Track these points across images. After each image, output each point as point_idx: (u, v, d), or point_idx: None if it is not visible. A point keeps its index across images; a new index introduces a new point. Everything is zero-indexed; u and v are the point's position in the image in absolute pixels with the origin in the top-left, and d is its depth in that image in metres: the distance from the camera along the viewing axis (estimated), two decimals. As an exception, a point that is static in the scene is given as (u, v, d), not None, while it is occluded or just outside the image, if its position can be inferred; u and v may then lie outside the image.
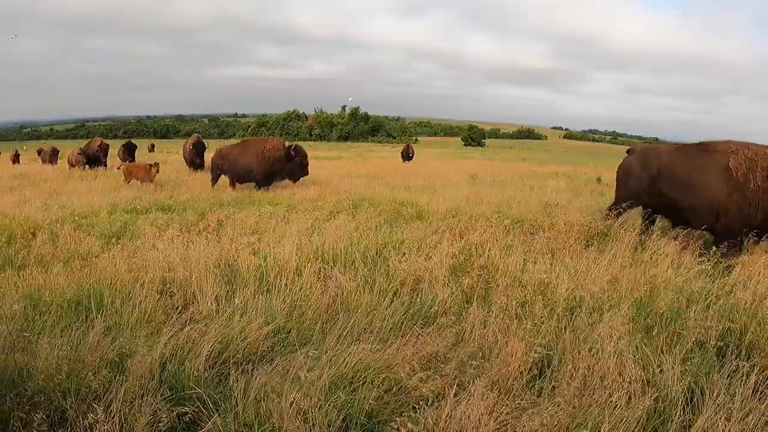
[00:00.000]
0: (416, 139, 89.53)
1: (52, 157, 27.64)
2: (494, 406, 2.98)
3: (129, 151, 25.04)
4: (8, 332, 3.64)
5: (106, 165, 21.92)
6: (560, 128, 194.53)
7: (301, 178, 14.85)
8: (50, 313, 4.20)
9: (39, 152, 39.81)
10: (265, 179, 14.45)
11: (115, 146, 25.25)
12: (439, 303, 4.65)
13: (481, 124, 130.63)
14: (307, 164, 14.88)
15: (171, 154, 33.96)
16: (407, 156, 30.85)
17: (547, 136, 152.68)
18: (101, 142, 22.80)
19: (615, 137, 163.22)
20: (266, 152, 14.46)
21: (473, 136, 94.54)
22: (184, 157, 21.56)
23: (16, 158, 35.00)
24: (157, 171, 16.07)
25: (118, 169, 16.91)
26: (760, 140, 7.08)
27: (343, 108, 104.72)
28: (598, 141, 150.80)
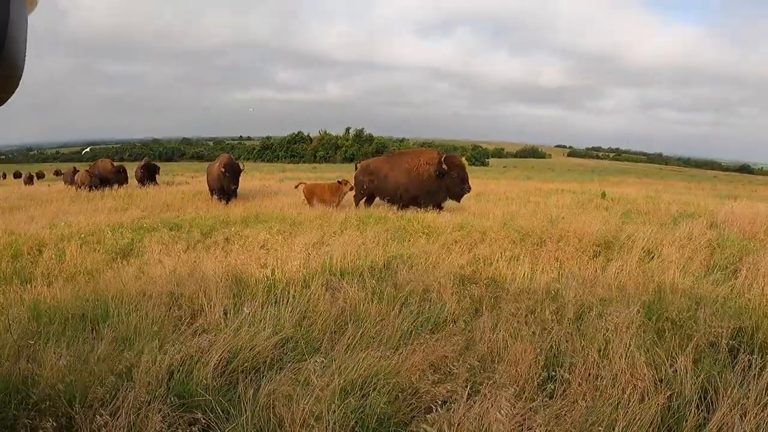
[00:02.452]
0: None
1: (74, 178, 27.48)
2: (507, 407, 2.95)
3: (149, 173, 23.39)
4: (13, 340, 3.64)
5: (127, 182, 21.76)
6: (564, 146, 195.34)
7: (462, 197, 12.31)
8: (55, 324, 4.20)
9: (39, 176, 39.72)
10: (416, 200, 12.08)
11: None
12: (447, 311, 4.64)
13: (484, 143, 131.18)
14: (466, 178, 12.16)
15: (177, 176, 34.16)
16: None
17: (551, 155, 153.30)
18: (112, 163, 22.49)
19: (618, 154, 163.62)
20: (421, 168, 12.13)
21: (477, 156, 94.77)
22: (210, 183, 17.74)
23: (29, 180, 35.04)
24: (351, 188, 13.52)
25: (296, 187, 14.69)
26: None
27: (347, 130, 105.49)
28: (601, 158, 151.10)
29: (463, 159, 12.68)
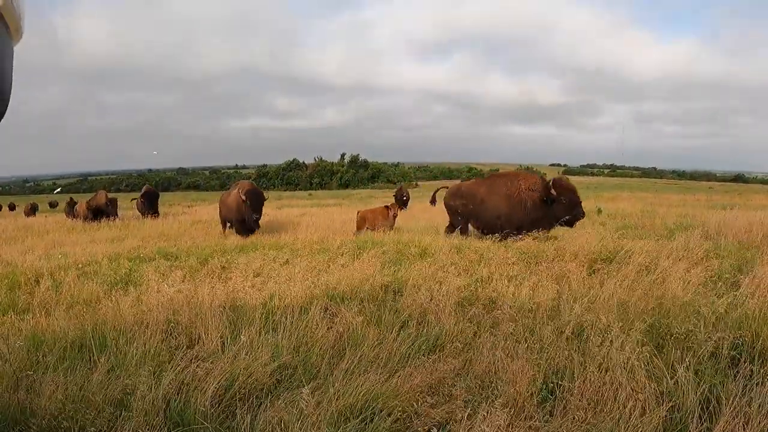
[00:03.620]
0: (416, 184, 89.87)
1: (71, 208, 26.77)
2: (507, 426, 2.93)
3: (150, 201, 22.02)
4: (12, 371, 3.62)
5: (116, 216, 20.99)
6: (559, 165, 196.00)
7: (575, 223, 10.69)
8: (53, 354, 4.19)
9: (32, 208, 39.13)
10: (520, 229, 10.54)
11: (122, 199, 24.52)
12: (445, 333, 4.62)
13: (480, 165, 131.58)
14: (579, 201, 10.67)
15: (174, 206, 34.21)
16: (401, 200, 25.39)
17: (546, 174, 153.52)
18: (106, 195, 21.91)
19: (613, 170, 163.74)
20: (523, 193, 10.79)
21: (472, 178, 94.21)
22: (225, 215, 15.82)
23: (31, 211, 34.64)
24: (395, 215, 13.41)
25: (358, 213, 14.17)
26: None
27: (342, 156, 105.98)
28: (596, 175, 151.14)
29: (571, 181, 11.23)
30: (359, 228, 13.13)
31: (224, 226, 16.03)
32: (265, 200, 14.92)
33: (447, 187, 12.60)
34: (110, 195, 22.73)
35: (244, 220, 14.37)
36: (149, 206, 21.89)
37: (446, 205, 12.27)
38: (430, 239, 10.28)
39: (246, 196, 14.07)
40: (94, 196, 22.43)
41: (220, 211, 16.48)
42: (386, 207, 13.52)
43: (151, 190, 22.97)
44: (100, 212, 21.06)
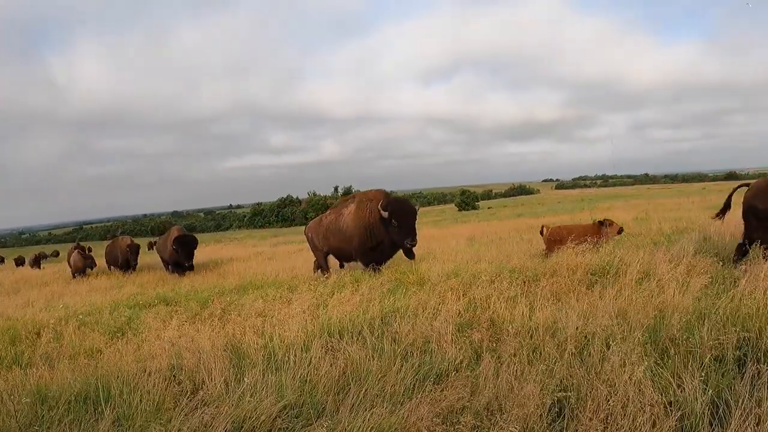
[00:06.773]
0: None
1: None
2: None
3: (185, 249, 16.04)
4: (18, 427, 3.60)
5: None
6: (551, 180, 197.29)
7: None
8: (58, 408, 4.14)
9: (18, 262, 38.52)
10: None
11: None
12: (449, 360, 4.60)
13: (473, 187, 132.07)
14: None
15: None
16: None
17: (539, 190, 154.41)
18: (131, 241, 19.04)
19: (606, 180, 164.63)
20: None
21: (466, 201, 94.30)
22: (334, 245, 11.15)
23: (35, 262, 34.01)
24: (620, 230, 10.13)
25: (541, 234, 11.15)
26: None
27: (336, 188, 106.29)
28: (589, 186, 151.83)
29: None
30: (549, 250, 10.09)
31: (325, 262, 11.92)
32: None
33: (748, 185, 7.95)
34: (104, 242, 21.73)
35: (376, 247, 10.11)
36: (186, 257, 16.15)
37: (748, 211, 7.51)
38: (426, 265, 10.25)
39: (389, 212, 9.57)
40: (114, 241, 20.64)
41: (314, 243, 12.04)
42: (600, 223, 10.30)
43: (182, 234, 16.83)
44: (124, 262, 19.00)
